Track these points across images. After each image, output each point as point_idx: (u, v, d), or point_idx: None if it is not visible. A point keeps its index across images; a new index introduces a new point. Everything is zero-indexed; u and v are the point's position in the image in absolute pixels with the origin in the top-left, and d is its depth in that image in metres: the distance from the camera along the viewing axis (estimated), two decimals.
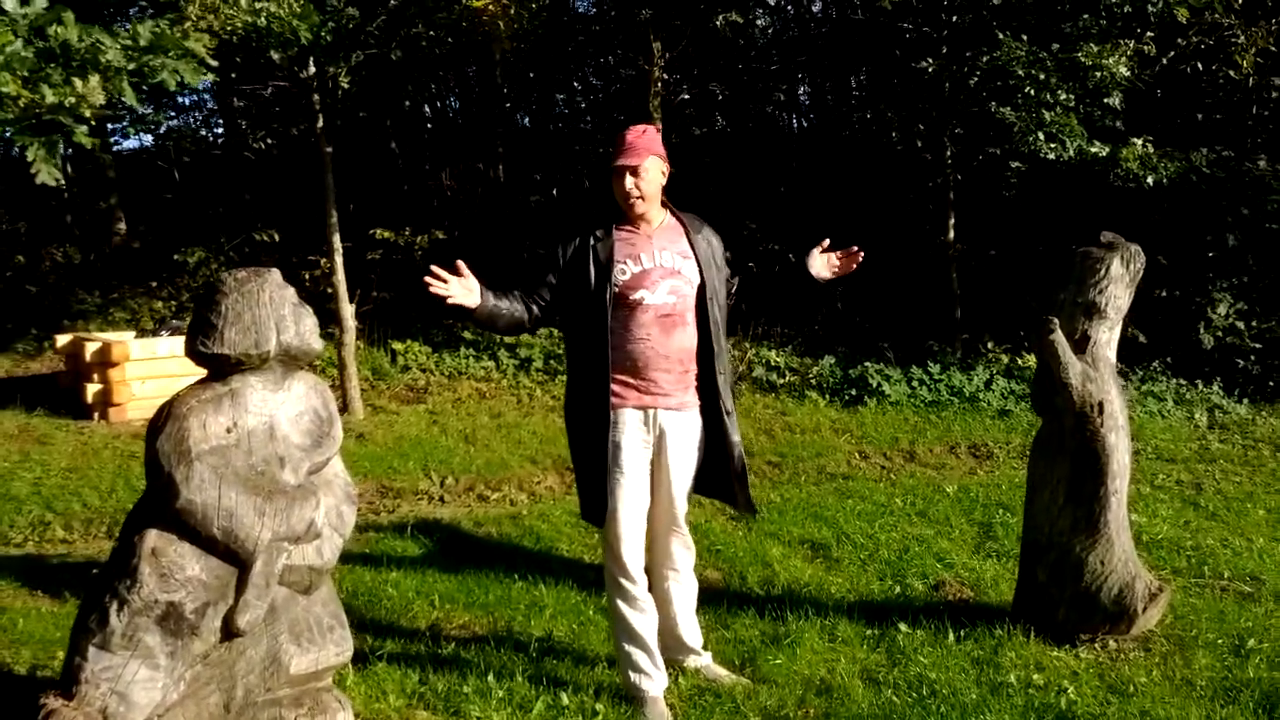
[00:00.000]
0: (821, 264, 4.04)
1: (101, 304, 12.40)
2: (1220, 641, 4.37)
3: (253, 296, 2.95)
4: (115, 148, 14.81)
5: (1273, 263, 11.08)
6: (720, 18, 10.99)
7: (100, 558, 4.23)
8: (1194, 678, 4.04)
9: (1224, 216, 10.89)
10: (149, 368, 9.25)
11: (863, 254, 3.99)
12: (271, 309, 2.96)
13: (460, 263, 3.68)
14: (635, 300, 3.76)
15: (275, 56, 7.84)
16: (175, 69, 4.17)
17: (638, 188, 3.79)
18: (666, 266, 3.81)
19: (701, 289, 3.85)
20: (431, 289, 3.57)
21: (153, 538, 2.86)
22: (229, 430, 2.93)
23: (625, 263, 3.78)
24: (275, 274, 3.05)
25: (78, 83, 3.86)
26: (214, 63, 4.56)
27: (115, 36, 4.07)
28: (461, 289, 3.65)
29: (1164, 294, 10.99)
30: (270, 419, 3.02)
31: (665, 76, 11.96)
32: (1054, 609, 4.39)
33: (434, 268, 3.60)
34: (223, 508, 2.85)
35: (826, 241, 4.06)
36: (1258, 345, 10.80)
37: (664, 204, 3.95)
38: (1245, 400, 10.33)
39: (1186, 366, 10.80)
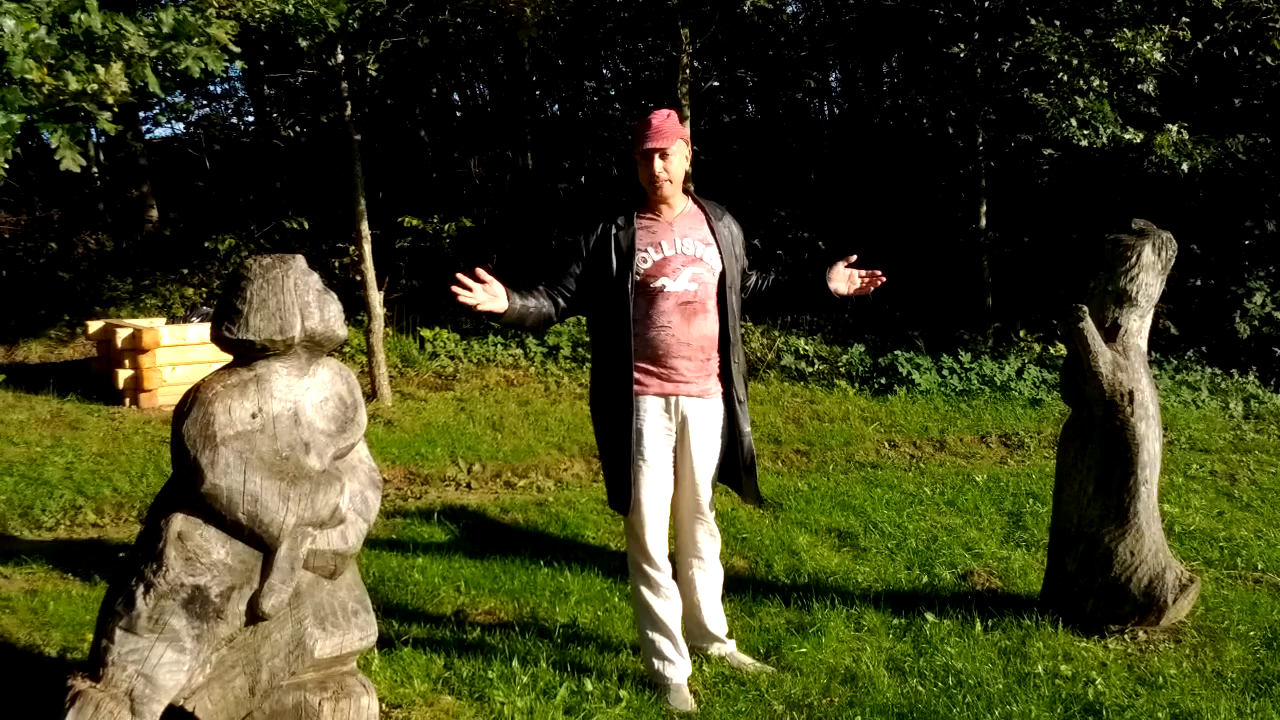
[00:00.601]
0: (842, 279, 3.99)
1: (133, 291, 12.48)
2: (1252, 634, 4.32)
3: (277, 283, 2.95)
4: (147, 136, 14.90)
5: None
6: (749, 3, 10.91)
7: (130, 542, 4.26)
8: (1225, 670, 3.99)
9: (1261, 204, 10.76)
10: (179, 354, 9.32)
11: (885, 279, 3.95)
12: (296, 295, 2.97)
13: (480, 270, 3.66)
14: (656, 288, 3.75)
15: (303, 44, 7.84)
16: (198, 56, 4.18)
17: (666, 170, 3.79)
18: (688, 254, 3.80)
19: (722, 276, 3.84)
20: (460, 299, 3.57)
21: (179, 522, 2.88)
22: (254, 416, 2.94)
23: (646, 250, 3.78)
24: (300, 260, 3.05)
25: (100, 70, 3.88)
26: (237, 49, 4.56)
27: (138, 23, 4.08)
28: (487, 295, 3.64)
29: (1199, 283, 10.86)
30: (295, 404, 3.03)
31: (694, 63, 11.90)
32: (1083, 599, 4.35)
33: (460, 276, 3.59)
34: (248, 492, 2.86)
35: (854, 258, 4.03)
36: None
37: (686, 190, 3.94)
38: None
39: (1222, 356, 10.67)
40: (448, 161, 15.42)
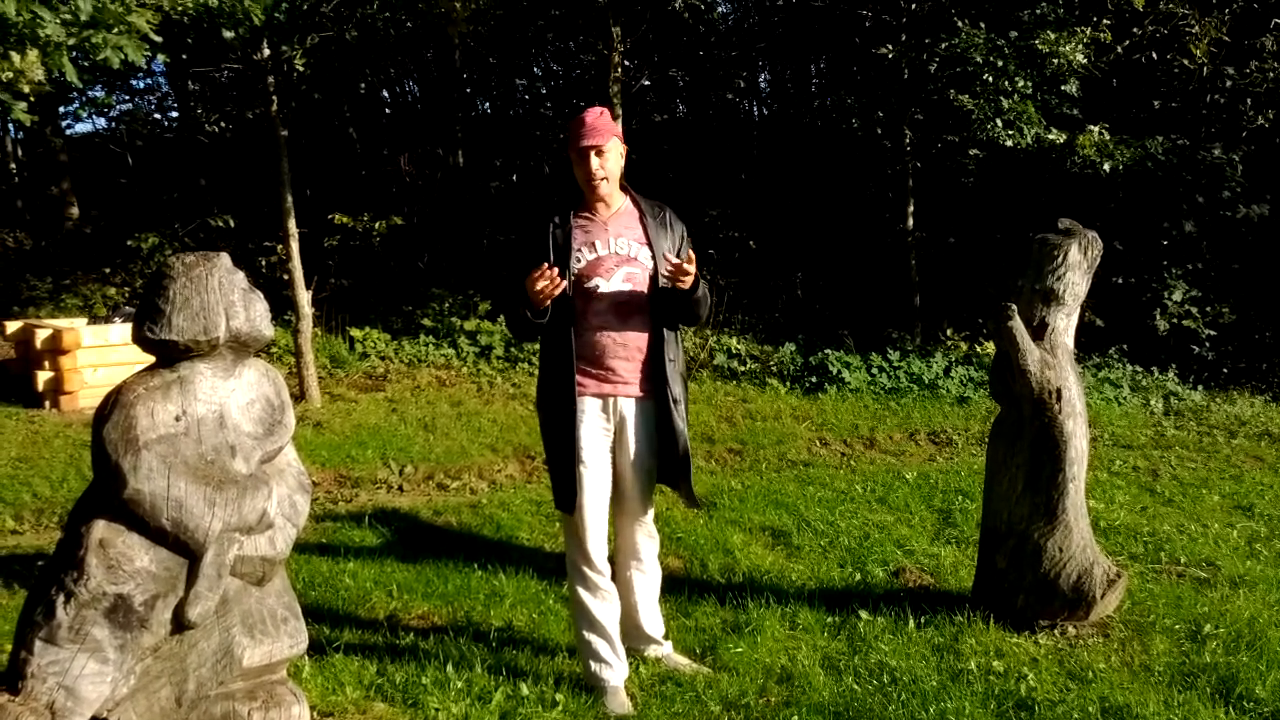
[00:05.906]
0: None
1: (53, 290, 12.21)
2: (1177, 627, 4.40)
3: (201, 281, 2.88)
4: (67, 131, 14.57)
5: (1226, 250, 11.22)
6: (679, 1, 10.95)
7: (51, 549, 4.14)
8: (1152, 663, 4.06)
9: (1179, 204, 11.02)
10: (101, 355, 9.12)
11: (680, 264, 3.72)
12: (220, 294, 2.89)
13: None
14: (590, 288, 3.73)
15: (228, 36, 7.68)
16: (118, 45, 4.05)
17: (603, 168, 3.76)
18: (621, 253, 3.77)
19: (656, 275, 3.81)
20: (553, 282, 3.56)
21: (100, 528, 2.79)
22: (178, 418, 2.86)
23: (581, 250, 3.75)
24: (224, 258, 2.98)
25: (15, 58, 3.74)
26: (158, 39, 4.44)
27: (55, 10, 3.95)
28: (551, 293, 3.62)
29: (1120, 281, 11.09)
30: (220, 407, 2.95)
31: (625, 62, 11.90)
32: (1013, 595, 4.40)
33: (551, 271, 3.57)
34: (172, 497, 2.78)
35: (670, 257, 3.81)
36: (1211, 332, 10.94)
37: (624, 188, 3.91)
38: (1200, 387, 10.46)
39: (1143, 353, 10.92)
40: (377, 159, 15.27)
